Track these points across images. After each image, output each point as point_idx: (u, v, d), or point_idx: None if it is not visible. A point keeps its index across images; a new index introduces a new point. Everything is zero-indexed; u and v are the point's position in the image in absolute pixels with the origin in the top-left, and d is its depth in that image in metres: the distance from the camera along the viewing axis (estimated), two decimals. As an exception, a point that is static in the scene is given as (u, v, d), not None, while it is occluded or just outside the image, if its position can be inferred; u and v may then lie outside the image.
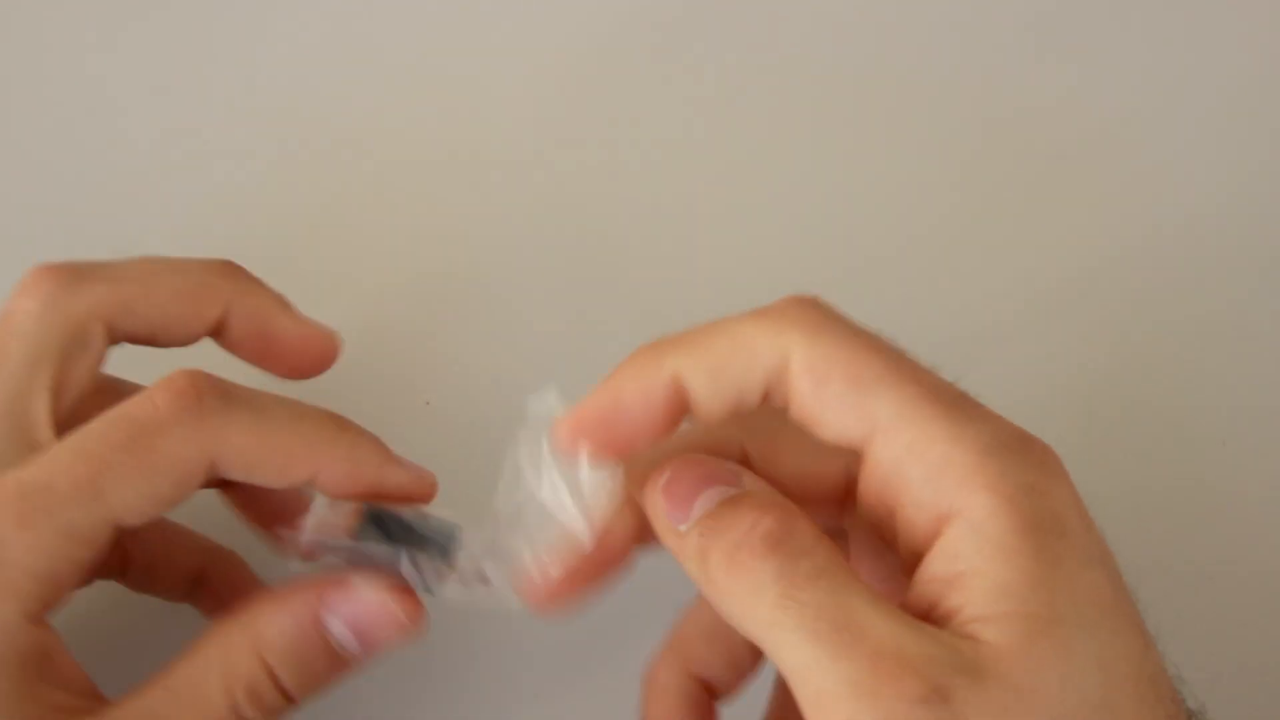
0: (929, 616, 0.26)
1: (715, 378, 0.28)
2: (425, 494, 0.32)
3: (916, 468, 0.27)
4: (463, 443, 0.40)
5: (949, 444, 0.26)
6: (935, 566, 0.26)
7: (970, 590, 0.26)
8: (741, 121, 0.51)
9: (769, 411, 0.29)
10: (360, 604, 0.30)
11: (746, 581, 0.26)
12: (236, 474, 0.31)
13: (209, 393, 0.30)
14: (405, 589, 0.30)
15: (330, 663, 0.30)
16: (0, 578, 0.28)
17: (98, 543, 0.29)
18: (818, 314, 0.28)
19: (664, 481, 0.29)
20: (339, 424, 0.32)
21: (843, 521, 0.32)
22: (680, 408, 0.29)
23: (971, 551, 0.26)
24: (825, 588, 0.26)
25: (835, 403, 0.28)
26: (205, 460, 0.30)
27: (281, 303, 0.35)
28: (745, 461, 0.31)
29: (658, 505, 0.29)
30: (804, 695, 0.25)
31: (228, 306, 0.34)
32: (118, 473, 0.29)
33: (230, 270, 0.35)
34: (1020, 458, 0.26)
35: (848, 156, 0.51)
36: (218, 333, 0.35)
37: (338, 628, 0.30)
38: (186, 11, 0.52)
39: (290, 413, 0.31)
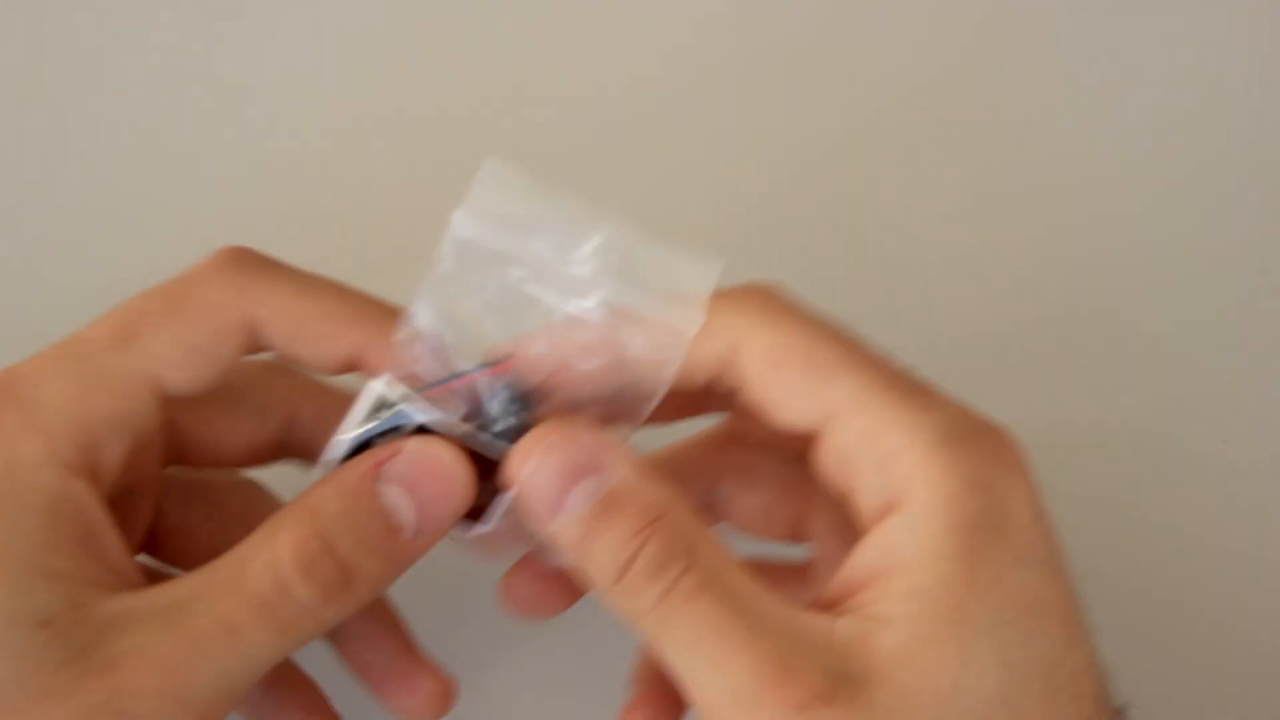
0: (842, 606, 0.26)
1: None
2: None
3: (869, 454, 0.27)
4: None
5: (902, 432, 0.26)
6: (864, 555, 0.26)
7: (887, 587, 0.26)
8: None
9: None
10: (412, 462, 0.28)
11: (632, 604, 0.26)
12: (278, 339, 0.29)
13: (250, 255, 0.29)
14: (461, 447, 0.28)
15: (386, 534, 0.27)
16: (29, 417, 0.27)
17: (135, 399, 0.28)
18: (774, 300, 0.28)
19: (529, 469, 0.27)
20: (388, 307, 0.30)
21: (806, 522, 0.33)
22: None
23: (900, 547, 0.26)
24: (706, 602, 0.25)
25: (791, 388, 0.27)
26: (242, 313, 0.29)
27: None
28: (718, 504, 0.32)
29: (525, 500, 0.27)
30: (693, 702, 0.26)
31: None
32: (152, 319, 0.28)
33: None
34: (973, 450, 0.26)
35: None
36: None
37: (391, 492, 0.27)
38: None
39: (336, 287, 0.30)
